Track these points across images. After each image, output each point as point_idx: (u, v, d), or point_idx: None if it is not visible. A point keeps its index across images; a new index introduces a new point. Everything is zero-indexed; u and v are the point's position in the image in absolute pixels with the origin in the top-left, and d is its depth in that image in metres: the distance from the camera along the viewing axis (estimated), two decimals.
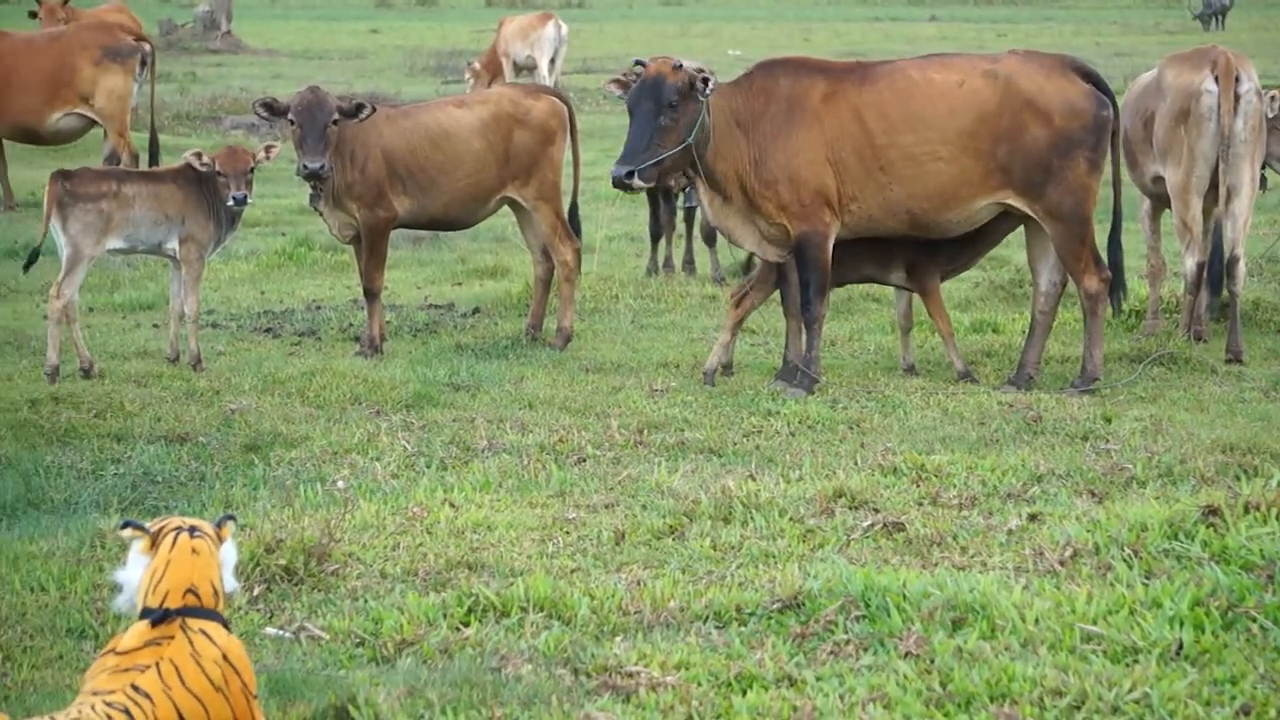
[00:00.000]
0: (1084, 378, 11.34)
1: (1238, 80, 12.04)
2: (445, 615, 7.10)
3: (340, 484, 8.89)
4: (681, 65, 10.94)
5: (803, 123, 11.15)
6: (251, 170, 11.51)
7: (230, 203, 11.45)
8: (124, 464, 9.50)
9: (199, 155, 11.59)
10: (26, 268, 11.86)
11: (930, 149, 11.13)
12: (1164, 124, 12.24)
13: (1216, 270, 12.44)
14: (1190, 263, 12.35)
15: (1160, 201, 12.81)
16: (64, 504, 8.87)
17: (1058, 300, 11.57)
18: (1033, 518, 8.28)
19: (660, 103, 10.87)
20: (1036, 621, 6.78)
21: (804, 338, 11.32)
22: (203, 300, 12.45)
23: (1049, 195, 11.14)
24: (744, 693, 6.34)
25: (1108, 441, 9.84)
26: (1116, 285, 11.57)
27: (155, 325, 13.24)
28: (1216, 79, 12.01)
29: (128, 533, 5.62)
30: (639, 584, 7.46)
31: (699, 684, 6.39)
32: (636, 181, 10.92)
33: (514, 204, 12.76)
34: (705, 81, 10.90)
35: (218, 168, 11.46)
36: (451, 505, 8.61)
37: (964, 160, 11.14)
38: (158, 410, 10.53)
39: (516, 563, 7.78)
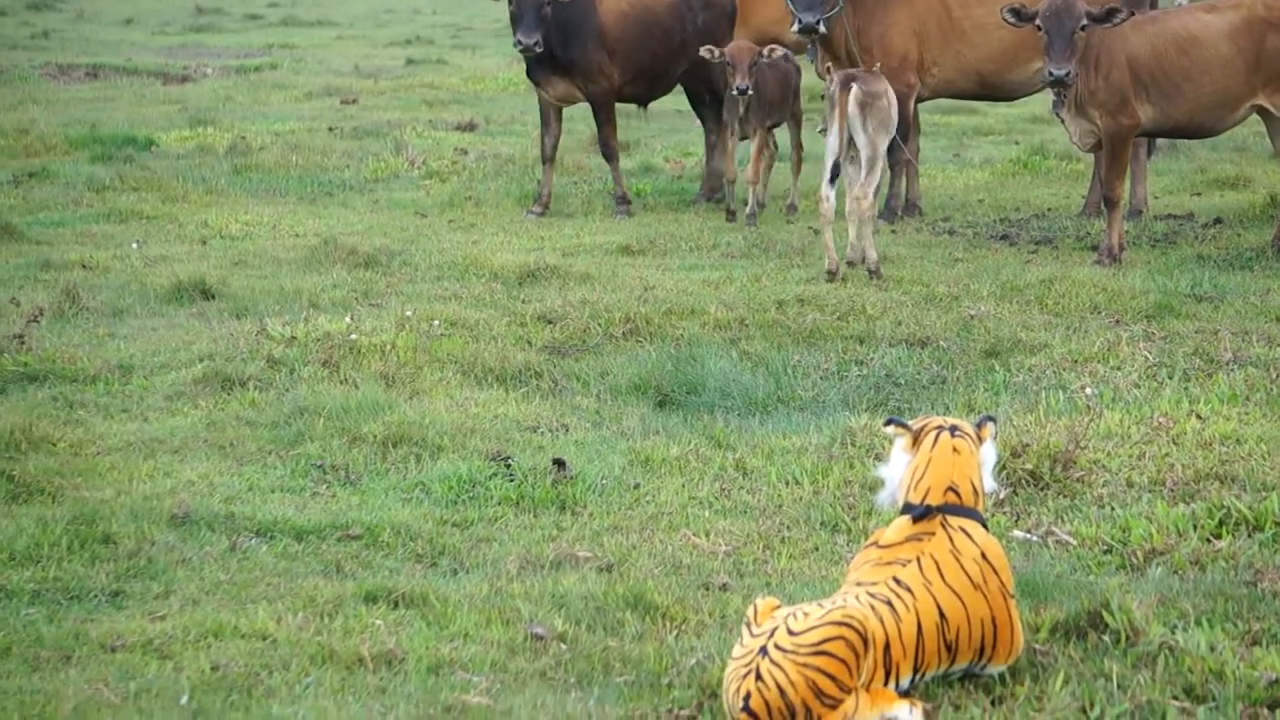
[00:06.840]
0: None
1: None
2: (1195, 526, 7.01)
3: (1089, 390, 8.85)
4: None
5: None
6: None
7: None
8: (866, 365, 9.73)
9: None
10: (832, 180, 11.87)
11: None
12: None
13: None
14: None
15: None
16: (811, 401, 9.15)
17: None
18: None
19: None
20: None
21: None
22: (940, 207, 12.55)
23: None
24: None
25: None
26: None
27: (894, 230, 13.45)
28: None
29: (891, 430, 5.77)
30: None
31: None
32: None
33: (1264, 112, 12.33)
34: None
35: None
36: (1198, 416, 8.45)
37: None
38: (898, 314, 10.70)
39: (1268, 477, 7.57)
